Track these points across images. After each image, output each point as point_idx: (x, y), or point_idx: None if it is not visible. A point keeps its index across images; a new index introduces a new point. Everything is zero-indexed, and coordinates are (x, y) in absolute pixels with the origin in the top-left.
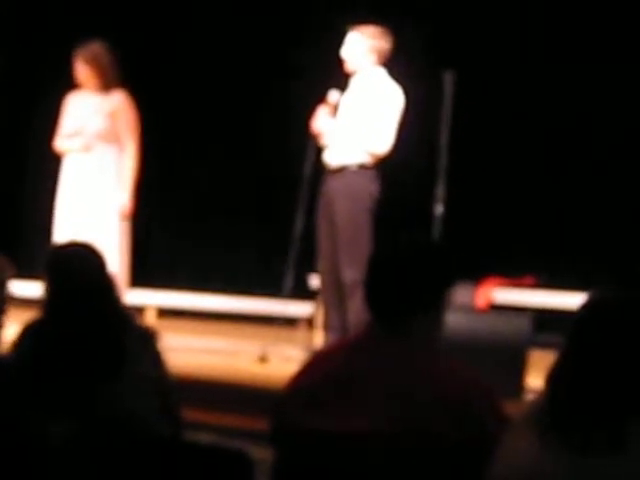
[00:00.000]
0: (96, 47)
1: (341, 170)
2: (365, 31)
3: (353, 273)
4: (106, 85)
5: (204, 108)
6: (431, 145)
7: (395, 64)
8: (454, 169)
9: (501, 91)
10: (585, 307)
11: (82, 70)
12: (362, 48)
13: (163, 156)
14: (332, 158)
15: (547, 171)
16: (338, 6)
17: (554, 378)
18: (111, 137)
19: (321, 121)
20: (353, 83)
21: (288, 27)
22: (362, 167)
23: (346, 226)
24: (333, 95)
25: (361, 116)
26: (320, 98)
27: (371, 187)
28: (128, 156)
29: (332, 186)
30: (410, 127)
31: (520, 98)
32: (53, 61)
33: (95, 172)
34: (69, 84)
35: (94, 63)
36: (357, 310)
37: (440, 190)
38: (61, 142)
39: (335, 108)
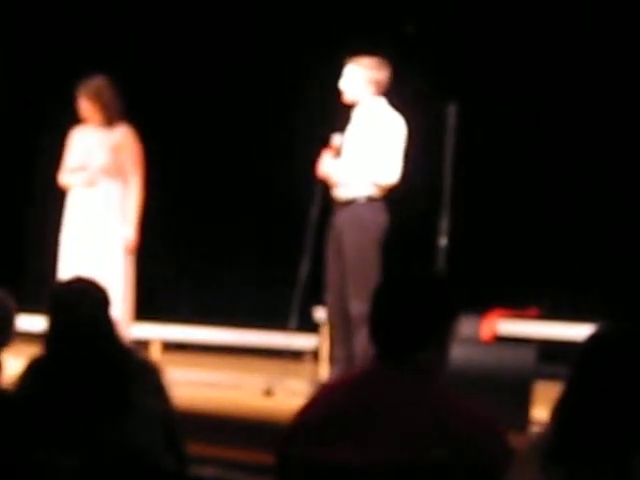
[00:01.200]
0: (98, 82)
1: (350, 203)
2: (362, 62)
3: (360, 305)
4: (109, 119)
5: (207, 141)
6: (434, 177)
7: (398, 96)
8: (458, 202)
9: (504, 123)
10: (591, 339)
11: (85, 105)
12: (360, 79)
13: (166, 190)
14: (341, 192)
15: (550, 204)
16: (338, 39)
17: (559, 410)
18: (115, 171)
19: (327, 165)
20: (355, 115)
21: (290, 61)
22: (370, 199)
23: (354, 258)
24: (337, 139)
25: (366, 148)
26: (324, 139)
27: (379, 218)
28: (132, 190)
29: (341, 218)
30: (413, 159)
31: (523, 130)
32: (57, 95)
33: (100, 206)
34: (73, 118)
35: (97, 98)
36: (364, 343)
37: (444, 222)
38: (65, 177)
39: (339, 151)
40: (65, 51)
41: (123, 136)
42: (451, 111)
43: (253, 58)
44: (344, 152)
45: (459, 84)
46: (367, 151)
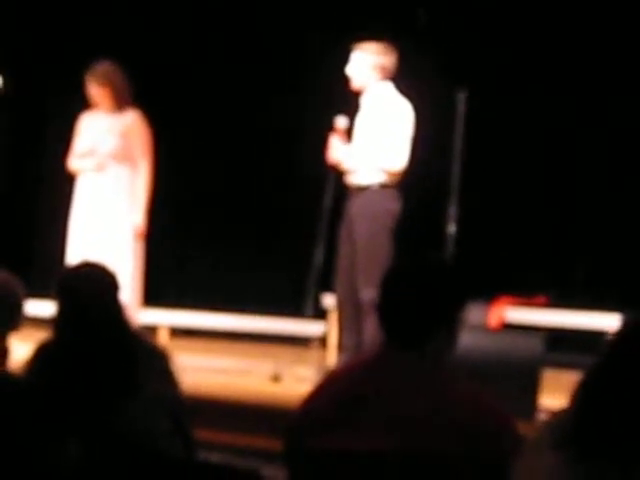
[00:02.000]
0: (108, 67)
1: (363, 190)
2: (368, 48)
3: (371, 292)
4: (119, 105)
5: (217, 126)
6: (444, 165)
7: (408, 83)
8: (467, 189)
9: (514, 110)
10: (624, 327)
11: (95, 90)
12: (366, 65)
13: (175, 175)
14: (354, 179)
15: (560, 191)
16: (348, 26)
17: (581, 394)
18: (124, 157)
19: (335, 150)
20: (363, 102)
21: (299, 47)
22: (383, 186)
23: (365, 245)
24: (340, 121)
25: (374, 134)
26: (330, 125)
27: (392, 206)
28: (141, 175)
29: (354, 205)
30: (423, 147)
31: (533, 118)
32: (66, 80)
33: (109, 192)
34: (82, 104)
35: (107, 83)
36: (373, 330)
37: (453, 210)
38: (74, 162)
39: (345, 133)
40: (73, 36)
41: (132, 121)
42: (461, 98)
43: (262, 43)
44: (354, 138)
45: (469, 71)
46: (375, 137)
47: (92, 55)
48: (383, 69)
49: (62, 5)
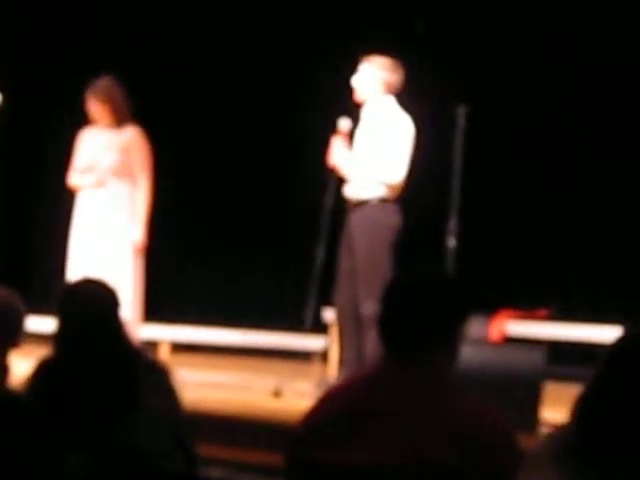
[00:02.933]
0: (107, 83)
1: (363, 204)
2: (376, 62)
3: (371, 306)
4: (119, 120)
5: (216, 141)
6: (443, 178)
7: (408, 98)
8: (467, 203)
9: (513, 125)
10: (621, 340)
11: (95, 107)
12: (372, 78)
13: (176, 190)
14: (352, 192)
15: (560, 204)
16: (353, 35)
17: (581, 406)
18: (124, 172)
19: (337, 153)
20: (363, 114)
21: (301, 53)
22: (383, 200)
23: (365, 258)
24: (344, 123)
25: (373, 147)
26: (333, 128)
27: (391, 220)
28: (141, 191)
29: (353, 219)
30: (423, 161)
31: (533, 132)
32: (65, 97)
33: (109, 207)
34: (82, 120)
35: (107, 99)
36: (374, 344)
37: (453, 223)
38: (74, 178)
39: (348, 136)
40: (72, 51)
41: (132, 137)
42: (460, 112)
43: (264, 46)
44: (354, 151)
45: (469, 86)
46: (374, 150)
47: (91, 71)
48: (389, 85)
49: (62, 20)
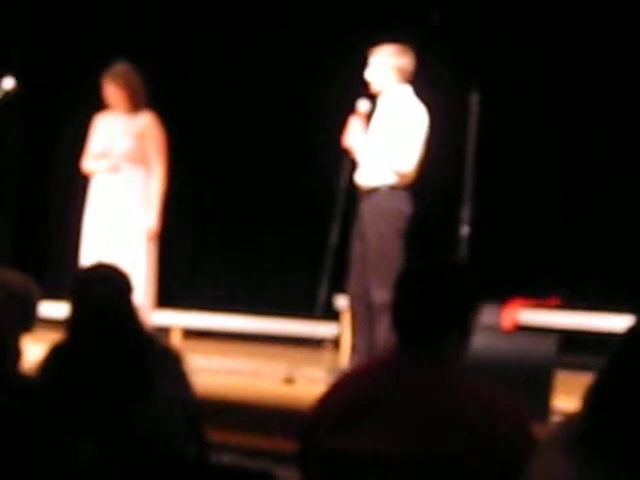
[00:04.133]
0: (125, 68)
1: (373, 191)
2: (386, 50)
3: (383, 294)
4: (134, 106)
5: (230, 126)
6: (457, 166)
7: (422, 85)
8: (480, 190)
9: (527, 112)
10: (631, 330)
11: (112, 91)
12: (384, 67)
13: (190, 176)
14: (364, 179)
15: (573, 192)
16: (366, 27)
17: (592, 396)
18: (139, 158)
19: (353, 134)
20: (380, 103)
21: (316, 44)
22: (393, 188)
23: (376, 247)
24: (363, 104)
25: (386, 136)
26: (351, 109)
27: (402, 208)
28: (155, 177)
29: (364, 207)
30: (436, 148)
31: (547, 119)
32: (80, 82)
33: (123, 193)
34: (97, 105)
35: (124, 84)
36: (386, 331)
37: (466, 211)
38: (88, 163)
39: (366, 117)
40: (87, 36)
41: (147, 123)
42: (474, 100)
43: (279, 32)
44: (369, 138)
45: (482, 73)
46: (387, 138)
47: (106, 56)
48: (401, 70)
49: (76, 5)
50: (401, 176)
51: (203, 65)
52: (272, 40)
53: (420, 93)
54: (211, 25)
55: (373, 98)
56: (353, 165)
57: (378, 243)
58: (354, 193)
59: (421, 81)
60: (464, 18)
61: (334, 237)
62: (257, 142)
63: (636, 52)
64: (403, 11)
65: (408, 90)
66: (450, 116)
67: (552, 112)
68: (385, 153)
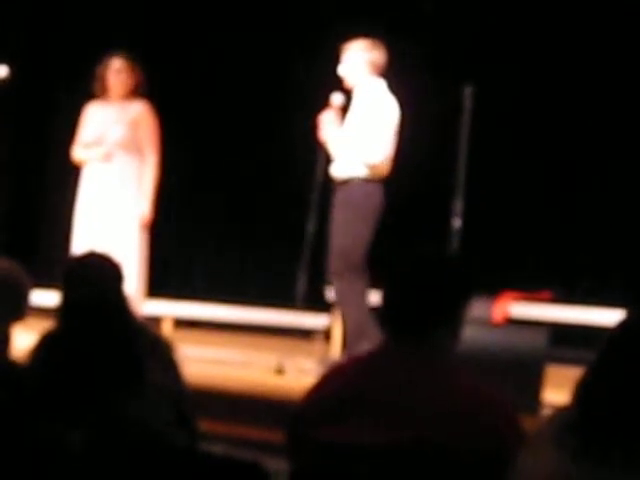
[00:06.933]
0: (128, 56)
1: (346, 183)
2: (356, 45)
3: (337, 262)
4: (133, 94)
5: (220, 119)
6: (449, 159)
7: (414, 79)
8: (472, 183)
9: (520, 106)
10: (622, 324)
11: (122, 77)
12: (357, 62)
13: (181, 166)
14: (337, 171)
15: (565, 186)
16: (354, 21)
17: (582, 390)
18: (132, 146)
19: (327, 128)
20: (353, 98)
21: (297, 39)
22: (365, 180)
23: (341, 231)
24: (337, 98)
25: (357, 129)
26: (325, 103)
27: (372, 200)
28: (149, 166)
29: (337, 197)
30: (429, 141)
31: (539, 113)
32: (72, 70)
33: (115, 182)
34: (89, 93)
35: (138, 71)
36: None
37: (458, 204)
38: (79, 151)
39: (341, 111)
40: (80, 24)
41: (141, 111)
42: (467, 93)
43: (266, 28)
44: (342, 131)
45: (475, 66)
46: (357, 131)
47: (99, 44)
48: (373, 64)
49: None
50: (371, 168)
51: (196, 58)
52: (250, 36)
53: (411, 86)
54: (191, 20)
55: (348, 93)
56: (328, 158)
57: (344, 227)
58: (331, 181)
59: (414, 74)
60: (457, 9)
61: (310, 228)
62: (241, 135)
63: (632, 47)
64: (396, 3)
65: (379, 83)
66: (443, 109)
67: (545, 105)
68: (356, 146)
